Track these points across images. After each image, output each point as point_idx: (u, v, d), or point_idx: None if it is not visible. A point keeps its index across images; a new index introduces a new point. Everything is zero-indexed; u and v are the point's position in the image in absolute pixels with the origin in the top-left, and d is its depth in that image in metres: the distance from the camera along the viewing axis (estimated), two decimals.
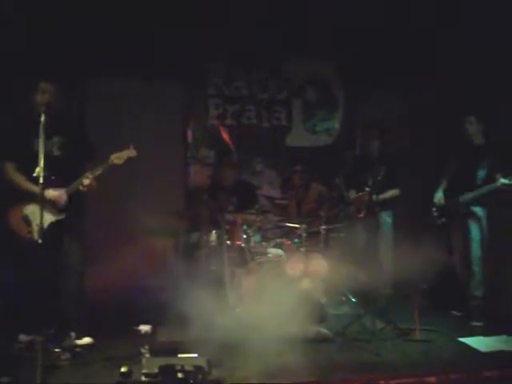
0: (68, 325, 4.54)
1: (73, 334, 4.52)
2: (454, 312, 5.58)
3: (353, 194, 6.07)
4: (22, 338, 4.43)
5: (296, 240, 5.68)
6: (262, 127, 7.19)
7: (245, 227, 5.63)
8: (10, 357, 4.18)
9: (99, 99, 6.35)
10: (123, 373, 3.75)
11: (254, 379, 3.82)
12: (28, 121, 4.39)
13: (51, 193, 4.36)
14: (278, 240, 5.73)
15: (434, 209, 5.57)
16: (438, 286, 5.76)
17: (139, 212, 6.02)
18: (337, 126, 7.33)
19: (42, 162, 3.88)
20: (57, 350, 4.28)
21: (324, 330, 4.75)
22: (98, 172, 4.50)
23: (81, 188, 4.47)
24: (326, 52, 6.92)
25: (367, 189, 5.47)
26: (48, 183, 4.01)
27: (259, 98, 7.18)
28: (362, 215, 5.70)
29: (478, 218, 5.27)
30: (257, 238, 5.64)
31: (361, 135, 6.79)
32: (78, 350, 4.34)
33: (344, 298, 5.73)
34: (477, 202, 5.27)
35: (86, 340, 4.60)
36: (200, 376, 3.57)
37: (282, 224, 5.87)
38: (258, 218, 5.77)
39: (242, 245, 5.57)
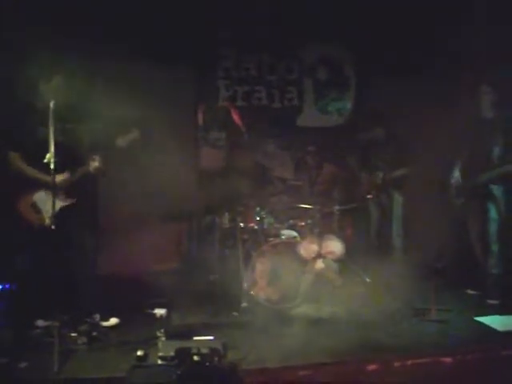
0: (88, 308, 4.57)
1: (97, 316, 4.57)
2: (470, 291, 5.54)
3: (363, 176, 6.04)
4: (40, 323, 4.47)
5: (310, 221, 5.65)
6: (273, 108, 7.14)
7: (258, 209, 5.61)
8: (27, 342, 4.22)
9: (108, 83, 6.32)
10: (139, 356, 3.78)
11: (269, 361, 3.83)
12: (32, 109, 4.38)
13: (57, 177, 4.30)
14: (292, 221, 5.69)
15: (451, 189, 5.52)
16: (454, 264, 5.72)
17: (152, 195, 6.04)
18: (348, 106, 7.25)
19: (52, 149, 3.88)
20: (73, 334, 4.30)
21: (339, 311, 4.74)
22: (103, 156, 4.49)
23: (91, 170, 4.47)
24: (337, 33, 6.83)
25: (377, 172, 5.46)
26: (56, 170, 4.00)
27: (269, 78, 7.11)
28: (371, 196, 5.67)
29: (495, 197, 5.22)
30: (270, 219, 5.62)
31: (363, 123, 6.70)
32: (94, 333, 4.36)
33: (358, 279, 5.71)
34: (494, 181, 5.20)
35: (113, 321, 4.65)
36: (216, 358, 3.57)
37: (295, 205, 5.84)
38: (271, 200, 5.75)
39: (256, 227, 5.56)
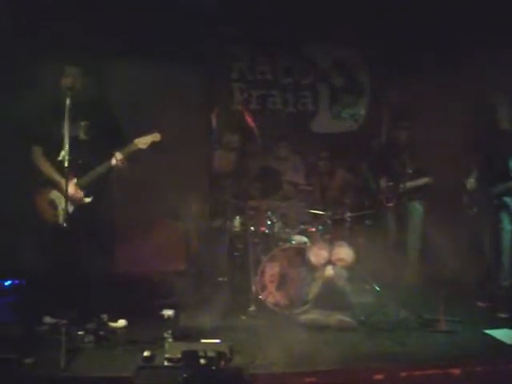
0: (96, 307, 4.55)
1: (105, 316, 4.56)
2: (480, 303, 5.48)
3: (383, 183, 5.96)
4: (47, 320, 4.47)
5: (320, 227, 5.63)
6: (287, 112, 7.13)
7: (269, 213, 5.61)
8: (34, 338, 4.23)
9: (123, 84, 6.34)
10: (146, 357, 3.77)
11: (276, 367, 3.81)
12: (55, 105, 4.39)
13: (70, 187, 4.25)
14: (302, 227, 5.67)
15: (465, 198, 5.48)
16: (464, 275, 5.68)
17: (164, 197, 6.03)
18: (362, 111, 7.24)
19: (66, 146, 3.89)
20: (80, 332, 4.31)
21: (347, 319, 4.71)
22: (121, 156, 4.48)
23: (113, 165, 4.46)
24: (352, 37, 6.81)
25: (398, 179, 5.41)
26: (75, 168, 4.01)
27: (284, 82, 7.11)
28: (391, 204, 5.62)
29: (509, 208, 5.18)
30: (281, 224, 5.61)
31: (388, 124, 6.64)
32: (101, 332, 4.37)
33: (368, 287, 5.69)
34: (509, 192, 5.16)
35: (121, 322, 4.64)
36: (222, 362, 3.56)
37: (306, 211, 5.82)
38: (282, 205, 5.74)
39: (266, 231, 5.55)
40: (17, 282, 5.07)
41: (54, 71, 4.51)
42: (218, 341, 3.96)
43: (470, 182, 5.45)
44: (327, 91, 7.25)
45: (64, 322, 3.90)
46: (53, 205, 4.47)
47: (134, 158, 4.55)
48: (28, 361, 3.75)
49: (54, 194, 4.47)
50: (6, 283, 5.01)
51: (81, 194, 4.43)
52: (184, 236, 6.11)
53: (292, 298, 5.17)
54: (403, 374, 3.80)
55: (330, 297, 4.80)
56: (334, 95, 7.26)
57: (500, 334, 4.59)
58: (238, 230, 5.70)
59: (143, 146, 4.50)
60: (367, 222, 5.98)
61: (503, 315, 5.10)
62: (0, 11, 5.22)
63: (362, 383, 3.77)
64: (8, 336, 4.14)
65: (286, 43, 6.94)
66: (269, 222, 5.57)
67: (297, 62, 7.13)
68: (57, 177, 4.35)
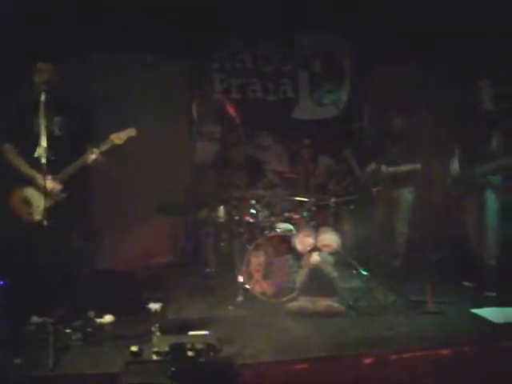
0: (83, 303, 4.51)
1: (92, 313, 4.53)
2: (466, 283, 5.52)
3: (369, 168, 5.94)
4: (34, 319, 4.42)
5: (305, 214, 5.63)
6: (268, 100, 7.09)
7: (253, 202, 5.58)
8: (22, 338, 4.18)
9: (103, 75, 6.27)
10: (134, 352, 3.74)
11: (265, 356, 3.81)
12: (28, 102, 4.31)
13: (48, 183, 4.09)
14: (287, 214, 5.67)
15: (449, 179, 5.50)
16: (450, 257, 5.72)
17: (146, 189, 6.00)
18: (344, 97, 7.21)
19: (43, 143, 3.83)
20: (68, 330, 4.27)
21: (335, 304, 4.72)
22: (98, 152, 4.42)
23: (89, 163, 4.40)
24: (332, 23, 6.77)
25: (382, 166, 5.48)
26: (49, 164, 3.93)
27: (264, 70, 7.06)
28: (377, 190, 5.61)
29: (494, 187, 5.19)
30: (265, 213, 5.59)
31: (370, 109, 6.61)
32: (89, 329, 4.33)
33: (355, 272, 5.71)
34: (492, 173, 5.18)
35: (108, 318, 4.60)
36: (211, 353, 3.55)
37: (290, 198, 5.81)
38: (266, 193, 5.72)
39: (251, 220, 5.53)
40: (1, 282, 5.00)
41: (26, 68, 4.42)
42: (206, 332, 3.95)
43: (453, 168, 5.46)
44: (308, 78, 7.21)
45: (51, 320, 3.87)
46: (27, 202, 4.37)
47: (111, 152, 4.49)
48: (16, 361, 3.73)
49: (28, 192, 4.37)
50: None
51: (59, 187, 4.35)
52: (169, 228, 6.08)
53: (279, 286, 5.16)
54: (393, 358, 3.81)
55: (317, 283, 4.80)
56: (314, 81, 7.21)
57: (487, 312, 4.63)
58: (222, 220, 5.68)
59: (119, 142, 4.45)
60: (352, 207, 5.98)
61: (490, 294, 5.14)
62: None
63: (352, 368, 3.77)
64: None
65: (267, 32, 6.86)
66: (253, 211, 5.55)
67: (277, 50, 7.07)
68: (33, 173, 4.25)
